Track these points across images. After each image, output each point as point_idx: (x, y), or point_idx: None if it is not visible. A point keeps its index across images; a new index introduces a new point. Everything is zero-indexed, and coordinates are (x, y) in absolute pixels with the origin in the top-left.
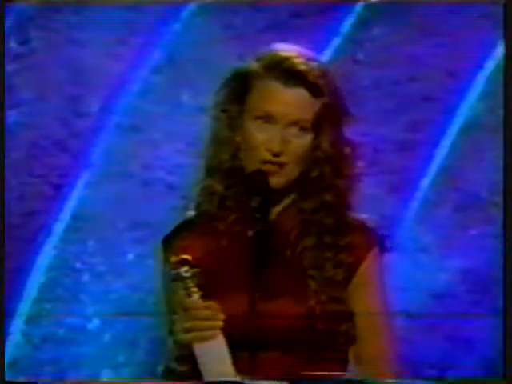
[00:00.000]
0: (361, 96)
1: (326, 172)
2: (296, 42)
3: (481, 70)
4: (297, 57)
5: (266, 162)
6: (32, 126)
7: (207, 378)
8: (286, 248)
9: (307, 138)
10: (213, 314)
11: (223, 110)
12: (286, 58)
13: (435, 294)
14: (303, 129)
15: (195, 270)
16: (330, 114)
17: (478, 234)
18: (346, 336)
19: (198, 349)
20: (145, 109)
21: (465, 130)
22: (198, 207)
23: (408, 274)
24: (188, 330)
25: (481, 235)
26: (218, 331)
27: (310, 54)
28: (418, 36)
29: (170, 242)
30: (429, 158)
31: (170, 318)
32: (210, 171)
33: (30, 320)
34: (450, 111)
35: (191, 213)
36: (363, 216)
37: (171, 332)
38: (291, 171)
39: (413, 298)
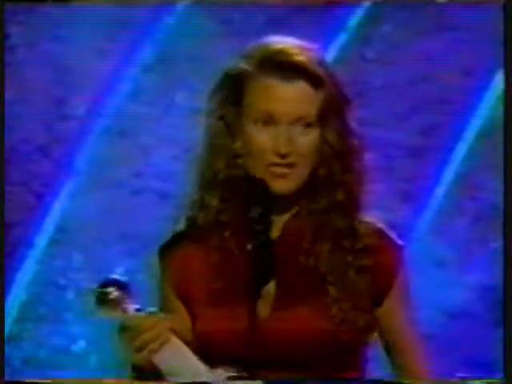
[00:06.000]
0: (370, 97)
1: (335, 168)
2: (298, 37)
3: (499, 68)
4: (291, 48)
5: (273, 164)
6: (11, 129)
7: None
8: (299, 255)
9: (313, 134)
10: (154, 322)
11: (220, 118)
12: (280, 51)
13: (451, 313)
14: (308, 125)
15: (123, 291)
16: (334, 105)
17: (498, 247)
18: (368, 346)
19: (157, 360)
20: (135, 111)
21: (482, 133)
22: (190, 220)
23: (421, 290)
24: (139, 349)
25: (501, 249)
26: (168, 335)
27: (303, 44)
28: (432, 32)
29: (167, 252)
30: (444, 164)
31: None
32: (204, 183)
33: (10, 341)
34: (466, 113)
35: (180, 226)
36: (376, 221)
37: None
38: (301, 173)
39: (427, 318)
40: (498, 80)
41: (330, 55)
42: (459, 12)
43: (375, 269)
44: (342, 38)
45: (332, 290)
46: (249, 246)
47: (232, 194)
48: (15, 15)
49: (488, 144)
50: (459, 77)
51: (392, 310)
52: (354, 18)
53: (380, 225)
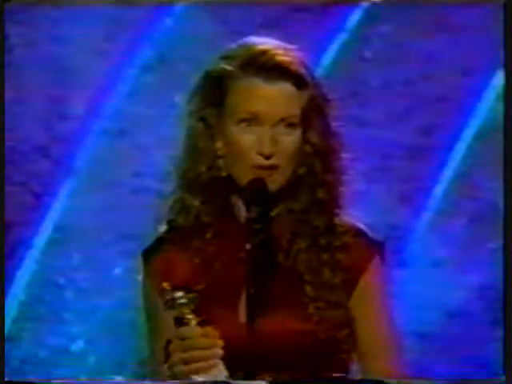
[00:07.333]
0: (368, 97)
1: (317, 168)
2: (297, 38)
3: (498, 67)
4: (274, 48)
5: (258, 167)
6: (10, 129)
7: None
8: (278, 254)
9: (296, 135)
10: (211, 342)
11: (201, 118)
12: (263, 52)
13: (451, 313)
14: (292, 125)
15: (191, 295)
16: (316, 105)
17: (496, 247)
18: (348, 342)
19: (198, 380)
20: (134, 111)
21: (482, 133)
22: (172, 223)
23: (420, 290)
24: (186, 362)
25: (499, 249)
26: (218, 360)
27: (286, 45)
28: (431, 32)
29: (150, 255)
30: (442, 164)
31: (153, 340)
32: (186, 184)
33: (9, 340)
34: (465, 113)
35: (163, 228)
36: (355, 219)
37: (168, 364)
38: (285, 172)
39: (426, 317)
40: (498, 80)
41: (328, 55)
42: (459, 12)
43: (348, 264)
44: (340, 38)
45: (309, 290)
46: (248, 246)
47: (214, 195)
48: (15, 15)
49: (487, 144)
50: (459, 76)
51: (358, 304)
52: (353, 18)
53: (359, 224)
